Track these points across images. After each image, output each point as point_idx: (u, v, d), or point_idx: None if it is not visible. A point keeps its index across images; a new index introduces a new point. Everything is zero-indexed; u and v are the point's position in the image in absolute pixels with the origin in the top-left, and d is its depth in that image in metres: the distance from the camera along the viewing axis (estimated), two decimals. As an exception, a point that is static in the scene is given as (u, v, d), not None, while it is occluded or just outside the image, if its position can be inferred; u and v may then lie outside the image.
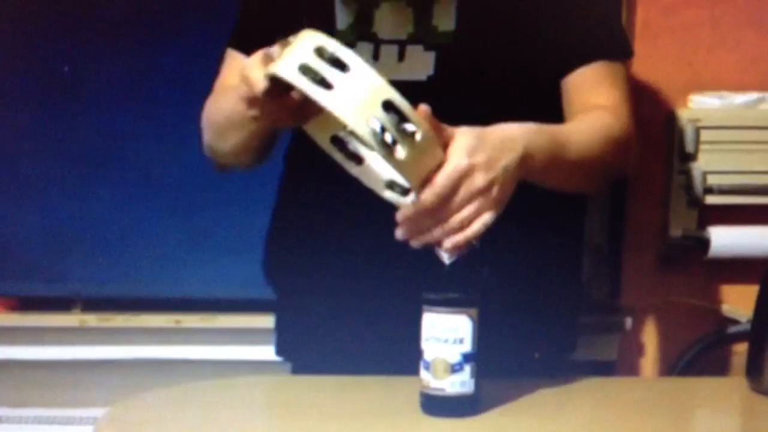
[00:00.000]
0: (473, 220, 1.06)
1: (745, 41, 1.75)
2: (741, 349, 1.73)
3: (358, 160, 1.11)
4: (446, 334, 1.09)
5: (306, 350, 1.37)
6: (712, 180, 1.73)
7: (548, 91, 1.30)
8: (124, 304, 1.86)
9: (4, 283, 1.88)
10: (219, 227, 1.84)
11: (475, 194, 1.06)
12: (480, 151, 1.06)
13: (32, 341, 1.86)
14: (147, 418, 1.14)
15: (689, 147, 1.72)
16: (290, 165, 1.38)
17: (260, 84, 1.06)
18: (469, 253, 1.08)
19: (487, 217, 1.07)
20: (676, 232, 1.76)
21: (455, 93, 1.24)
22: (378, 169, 1.10)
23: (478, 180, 1.06)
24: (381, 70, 1.00)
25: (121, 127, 1.83)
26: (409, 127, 1.01)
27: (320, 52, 1.00)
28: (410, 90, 1.02)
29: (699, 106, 1.75)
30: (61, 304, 1.87)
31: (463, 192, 1.05)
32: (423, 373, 1.11)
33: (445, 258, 1.08)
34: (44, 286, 1.88)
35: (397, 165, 1.01)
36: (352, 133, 1.04)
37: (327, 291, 1.33)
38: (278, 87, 1.05)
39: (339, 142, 1.11)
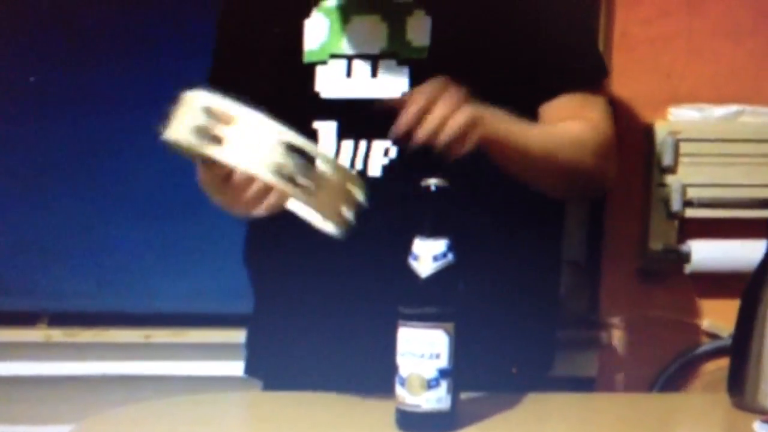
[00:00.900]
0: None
1: (723, 53, 1.75)
2: (722, 364, 1.71)
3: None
4: (422, 349, 1.07)
5: (278, 367, 1.36)
6: (692, 193, 1.72)
7: (524, 108, 1.28)
8: (91, 319, 1.83)
9: (-32, 298, 1.85)
10: (189, 241, 1.82)
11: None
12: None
13: (-4, 356, 1.84)
14: (114, 436, 1.13)
15: (668, 160, 1.71)
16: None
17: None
18: (445, 267, 1.07)
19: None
20: (655, 245, 1.75)
21: None
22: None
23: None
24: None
25: (89, 139, 1.81)
26: (319, 164, 1.05)
27: (208, 111, 1.04)
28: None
29: (678, 119, 1.74)
30: (27, 319, 1.84)
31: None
32: (398, 389, 1.09)
33: (421, 271, 1.07)
34: (8, 300, 1.84)
35: (308, 201, 1.05)
36: None
37: (301, 306, 1.31)
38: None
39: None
